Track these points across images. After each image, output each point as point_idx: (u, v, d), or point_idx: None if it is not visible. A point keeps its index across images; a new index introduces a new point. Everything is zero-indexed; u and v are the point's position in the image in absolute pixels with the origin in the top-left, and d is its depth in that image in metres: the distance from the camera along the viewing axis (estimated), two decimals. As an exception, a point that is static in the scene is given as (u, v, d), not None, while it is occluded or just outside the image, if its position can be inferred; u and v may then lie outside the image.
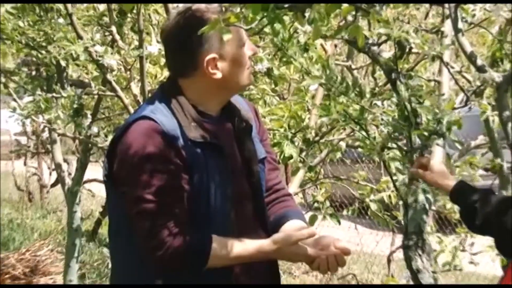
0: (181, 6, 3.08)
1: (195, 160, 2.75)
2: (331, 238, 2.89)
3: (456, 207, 3.57)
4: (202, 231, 2.74)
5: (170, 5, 4.04)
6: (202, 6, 2.82)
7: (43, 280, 7.91)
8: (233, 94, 2.97)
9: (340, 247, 2.84)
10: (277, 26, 2.33)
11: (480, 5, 3.65)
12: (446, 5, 3.54)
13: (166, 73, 4.71)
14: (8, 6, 4.86)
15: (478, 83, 3.57)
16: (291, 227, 2.99)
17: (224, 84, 2.87)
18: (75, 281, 5.49)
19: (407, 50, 3.37)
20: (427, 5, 4.36)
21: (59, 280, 6.97)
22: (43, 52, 4.65)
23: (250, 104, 3.20)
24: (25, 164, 15.06)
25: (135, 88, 4.52)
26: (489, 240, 3.89)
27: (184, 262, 2.71)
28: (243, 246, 2.76)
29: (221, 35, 2.67)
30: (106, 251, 7.64)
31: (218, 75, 2.82)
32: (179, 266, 2.73)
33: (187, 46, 2.80)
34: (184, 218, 2.70)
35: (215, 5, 2.82)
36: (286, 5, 2.32)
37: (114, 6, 4.48)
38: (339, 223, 4.82)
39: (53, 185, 13.04)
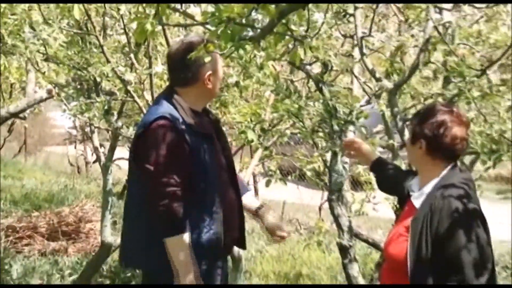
0: (177, 39, 3.09)
1: (194, 146, 2.76)
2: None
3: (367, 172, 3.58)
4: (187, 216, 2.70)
5: (170, 39, 4.02)
6: (195, 38, 2.83)
7: (88, 226, 7.86)
8: (211, 100, 2.98)
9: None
10: (241, 52, 2.31)
11: (377, 37, 3.66)
12: (355, 37, 3.55)
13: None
14: (60, 41, 4.82)
15: (377, 89, 3.58)
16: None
17: (208, 93, 2.89)
18: (108, 226, 5.44)
19: (329, 68, 3.37)
20: (342, 38, 4.37)
21: (98, 226, 6.93)
22: (85, 71, 4.62)
23: None
24: (75, 147, 15.16)
25: (147, 95, 4.50)
26: (385, 195, 3.92)
27: (165, 215, 2.68)
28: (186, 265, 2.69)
29: (218, 59, 2.76)
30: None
31: (210, 86, 2.85)
32: (162, 215, 2.68)
33: (191, 65, 2.80)
34: (179, 184, 2.67)
35: (201, 37, 2.82)
36: (247, 37, 2.31)
37: (132, 39, 4.44)
38: (286, 184, 4.83)
39: (94, 162, 13.04)
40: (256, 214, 3.06)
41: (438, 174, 2.52)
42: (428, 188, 2.53)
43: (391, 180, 2.91)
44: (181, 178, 2.68)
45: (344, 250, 3.52)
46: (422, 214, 2.44)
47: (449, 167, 2.52)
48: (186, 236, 2.69)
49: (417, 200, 2.55)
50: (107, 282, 5.96)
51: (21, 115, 6.65)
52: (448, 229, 2.35)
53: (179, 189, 2.67)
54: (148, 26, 2.18)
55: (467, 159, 3.83)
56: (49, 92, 5.50)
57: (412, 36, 3.47)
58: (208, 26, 2.38)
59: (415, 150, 2.57)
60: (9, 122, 13.42)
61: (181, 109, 2.80)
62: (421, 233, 2.41)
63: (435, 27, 3.16)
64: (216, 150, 2.90)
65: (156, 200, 2.67)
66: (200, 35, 3.05)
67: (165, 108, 2.79)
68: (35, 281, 6.00)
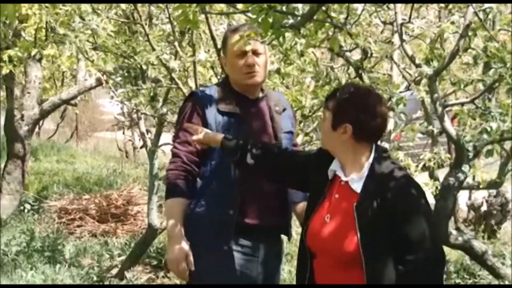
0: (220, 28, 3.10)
1: (214, 122, 2.77)
2: None
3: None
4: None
5: (213, 27, 4.02)
6: (236, 27, 2.86)
7: (135, 208, 7.95)
8: (244, 87, 2.84)
9: None
10: (282, 40, 2.30)
11: (417, 24, 3.60)
12: (395, 24, 3.48)
13: (211, 72, 4.71)
14: (108, 30, 4.88)
15: (416, 75, 3.52)
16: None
17: (231, 78, 2.87)
18: (155, 209, 5.48)
19: (369, 54, 3.32)
20: (382, 24, 4.31)
21: (145, 208, 7.00)
22: (131, 60, 4.66)
23: (291, 106, 3.14)
24: (123, 133, 15.29)
25: (191, 82, 4.52)
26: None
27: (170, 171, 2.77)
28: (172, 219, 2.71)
29: (230, 46, 2.77)
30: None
31: (227, 70, 2.90)
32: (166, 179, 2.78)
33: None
34: (186, 154, 2.75)
35: (245, 27, 2.80)
36: (287, 25, 2.29)
37: (176, 28, 4.46)
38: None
39: (141, 147, 13.08)
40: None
41: (369, 156, 2.37)
42: (364, 171, 2.35)
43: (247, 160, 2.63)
44: (189, 148, 2.76)
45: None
46: (367, 197, 2.30)
47: (373, 147, 2.39)
48: (179, 201, 2.71)
49: (356, 183, 2.35)
50: (154, 262, 6.03)
51: (72, 101, 6.77)
52: (405, 206, 2.27)
53: (182, 158, 2.75)
54: (191, 16, 2.18)
55: (508, 143, 3.74)
56: (98, 80, 5.59)
57: (452, 23, 3.39)
58: (249, 14, 2.37)
59: (337, 136, 2.38)
60: (62, 108, 13.69)
61: (219, 91, 2.84)
62: (372, 217, 2.27)
63: (476, 13, 3.08)
64: (256, 131, 2.83)
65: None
66: (241, 24, 3.05)
67: (208, 87, 2.96)
68: (87, 261, 6.11)
